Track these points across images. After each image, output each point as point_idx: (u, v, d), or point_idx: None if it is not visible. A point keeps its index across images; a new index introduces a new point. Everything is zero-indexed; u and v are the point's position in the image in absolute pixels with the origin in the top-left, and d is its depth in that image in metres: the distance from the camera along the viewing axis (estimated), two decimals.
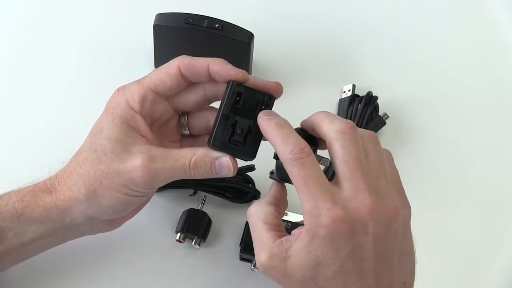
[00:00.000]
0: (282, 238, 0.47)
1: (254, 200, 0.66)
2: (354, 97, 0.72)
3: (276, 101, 0.51)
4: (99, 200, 0.52)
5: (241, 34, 0.67)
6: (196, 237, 0.63)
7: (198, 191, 0.66)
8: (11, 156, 0.69)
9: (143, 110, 0.52)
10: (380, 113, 0.72)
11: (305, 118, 0.51)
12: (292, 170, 0.45)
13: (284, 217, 0.63)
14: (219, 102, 0.52)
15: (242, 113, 0.50)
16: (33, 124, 0.71)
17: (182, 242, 0.63)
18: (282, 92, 0.51)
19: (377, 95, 0.72)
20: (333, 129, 0.46)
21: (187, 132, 0.57)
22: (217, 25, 0.66)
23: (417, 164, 0.70)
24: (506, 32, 0.81)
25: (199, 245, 0.63)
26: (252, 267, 0.62)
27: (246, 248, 0.62)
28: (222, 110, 0.50)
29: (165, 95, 0.53)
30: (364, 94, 0.72)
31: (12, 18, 0.79)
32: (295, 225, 0.62)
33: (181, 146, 0.57)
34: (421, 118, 0.74)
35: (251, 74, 0.71)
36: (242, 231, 0.63)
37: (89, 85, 0.74)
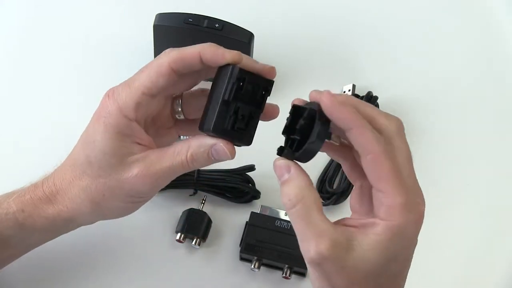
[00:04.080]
0: (344, 227, 0.44)
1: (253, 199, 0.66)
2: None
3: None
4: (105, 210, 0.51)
5: (241, 34, 0.67)
6: (196, 237, 0.63)
7: (198, 191, 0.66)
8: (9, 156, 0.69)
9: (138, 116, 0.49)
10: None
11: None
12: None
13: (284, 217, 0.63)
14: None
15: (244, 99, 0.47)
16: (32, 124, 0.71)
17: (182, 242, 0.63)
18: (275, 76, 0.49)
19: (377, 95, 0.72)
20: (394, 124, 0.45)
21: (182, 117, 0.54)
22: (217, 25, 0.66)
23: (417, 163, 0.69)
24: (506, 32, 0.81)
25: (199, 245, 0.63)
26: (252, 267, 0.62)
27: (246, 248, 0.62)
28: (222, 96, 0.47)
29: (159, 94, 0.50)
30: (364, 94, 0.72)
31: (12, 18, 0.79)
32: None
33: (177, 131, 0.55)
34: (421, 118, 0.74)
35: None
36: (242, 231, 0.63)
37: (88, 85, 0.74)
